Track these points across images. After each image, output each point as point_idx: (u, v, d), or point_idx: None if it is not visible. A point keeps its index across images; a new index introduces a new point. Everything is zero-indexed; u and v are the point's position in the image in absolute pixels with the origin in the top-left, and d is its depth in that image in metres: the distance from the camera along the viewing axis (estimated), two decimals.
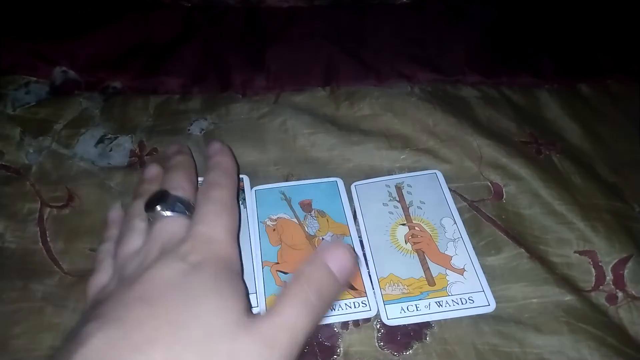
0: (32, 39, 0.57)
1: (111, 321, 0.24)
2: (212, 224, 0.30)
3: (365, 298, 0.37)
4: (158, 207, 0.31)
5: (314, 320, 0.26)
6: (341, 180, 0.45)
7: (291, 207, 0.44)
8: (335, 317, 0.36)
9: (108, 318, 0.24)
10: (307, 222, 0.43)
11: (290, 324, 0.25)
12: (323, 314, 0.27)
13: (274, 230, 0.42)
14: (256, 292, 0.38)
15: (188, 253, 0.27)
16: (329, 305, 0.27)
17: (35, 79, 0.55)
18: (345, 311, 0.37)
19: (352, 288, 0.38)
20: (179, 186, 0.34)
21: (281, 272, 0.39)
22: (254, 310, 0.37)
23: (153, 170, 0.39)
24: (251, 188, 0.45)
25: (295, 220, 0.43)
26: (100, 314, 0.25)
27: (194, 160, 0.40)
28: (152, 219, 0.31)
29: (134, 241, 0.31)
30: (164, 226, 0.30)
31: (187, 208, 0.32)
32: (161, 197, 0.32)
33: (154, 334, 0.23)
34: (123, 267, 0.29)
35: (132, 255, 0.30)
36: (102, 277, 0.31)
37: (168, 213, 0.31)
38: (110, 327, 0.23)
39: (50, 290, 0.38)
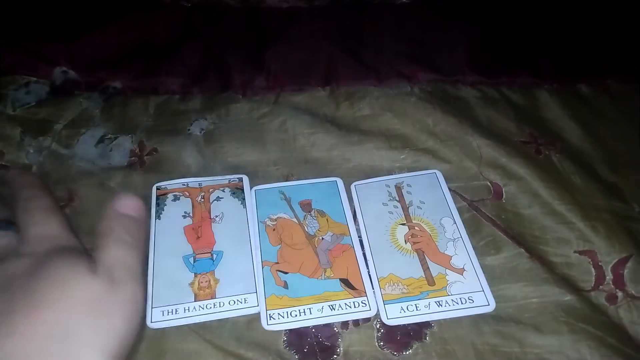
0: (32, 39, 0.57)
1: None
2: (43, 224, 0.31)
3: (365, 298, 0.37)
4: None
5: (137, 254, 0.29)
6: (341, 180, 0.45)
7: (291, 207, 0.44)
8: (335, 317, 0.36)
9: None
10: (306, 222, 0.43)
11: (119, 259, 0.28)
12: (142, 247, 0.30)
13: (274, 230, 0.42)
14: (256, 292, 0.38)
15: (30, 252, 0.28)
16: (141, 240, 0.30)
17: (35, 79, 0.55)
18: (345, 311, 0.37)
19: (352, 288, 0.38)
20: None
21: (281, 271, 0.39)
22: (254, 310, 0.37)
23: None
24: (251, 188, 0.45)
25: (295, 220, 0.43)
26: None
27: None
28: None
29: None
30: None
31: (11, 224, 0.32)
32: None
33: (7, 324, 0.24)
34: None
35: None
36: None
37: None
38: None
39: None
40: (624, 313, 0.36)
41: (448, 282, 0.38)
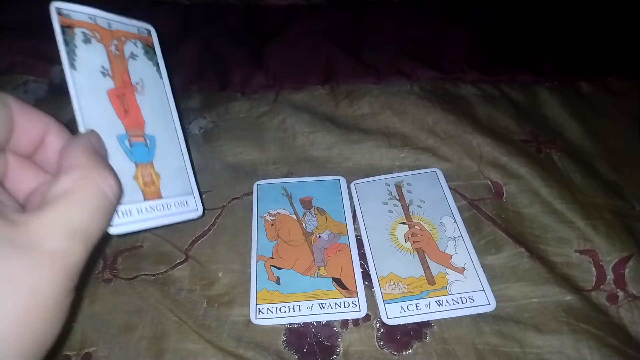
0: (30, 38, 0.57)
1: None
2: None
3: (355, 298, 0.37)
4: None
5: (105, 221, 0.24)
6: (344, 179, 0.45)
7: (291, 204, 0.44)
8: (324, 316, 0.36)
9: None
10: (305, 219, 0.43)
11: (71, 222, 0.22)
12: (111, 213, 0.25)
13: (272, 225, 0.42)
14: (192, 193, 0.35)
15: None
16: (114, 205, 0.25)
17: (33, 78, 0.55)
18: (334, 310, 0.37)
19: (344, 288, 0.38)
20: None
21: (275, 267, 0.39)
22: (195, 214, 0.33)
23: None
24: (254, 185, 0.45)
25: (294, 216, 0.43)
26: None
27: None
28: None
29: None
30: None
31: None
32: None
33: None
34: None
35: None
36: None
37: None
38: None
39: None
40: (625, 313, 0.36)
41: (448, 282, 0.38)
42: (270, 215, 0.43)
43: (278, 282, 0.38)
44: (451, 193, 0.43)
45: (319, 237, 0.41)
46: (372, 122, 0.50)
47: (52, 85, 0.54)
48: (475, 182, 0.44)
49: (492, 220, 0.41)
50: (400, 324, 0.36)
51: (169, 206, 0.32)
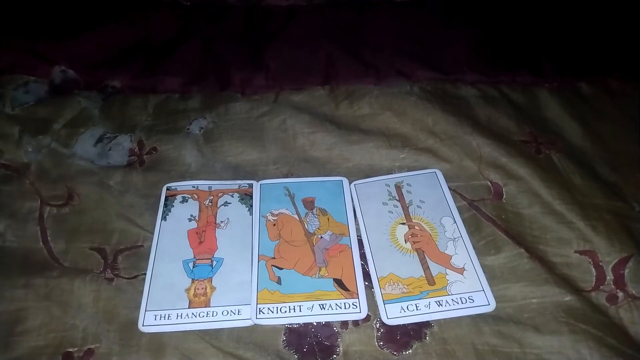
0: (31, 39, 0.57)
1: None
2: None
3: (356, 300, 0.37)
4: None
5: None
6: (346, 180, 0.45)
7: (294, 204, 0.44)
8: (324, 317, 0.36)
9: None
10: (307, 220, 0.43)
11: None
12: None
13: (274, 225, 0.42)
14: (251, 304, 0.37)
15: None
16: None
17: (34, 78, 0.55)
18: (335, 311, 0.36)
19: (345, 289, 0.38)
20: None
21: (276, 267, 0.39)
22: (247, 323, 0.36)
23: None
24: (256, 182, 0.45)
25: (296, 216, 0.43)
26: None
27: None
28: None
29: None
30: None
31: None
32: None
33: None
34: None
35: None
36: None
37: None
38: None
39: (52, 287, 0.38)
40: (625, 313, 0.36)
41: (448, 282, 0.38)
42: (273, 215, 0.43)
43: (279, 282, 0.38)
44: (451, 194, 0.43)
45: (321, 237, 0.41)
46: (372, 123, 0.50)
47: (53, 86, 0.54)
48: (475, 182, 0.44)
49: (491, 221, 0.41)
50: (400, 324, 0.36)
51: (214, 314, 0.36)
